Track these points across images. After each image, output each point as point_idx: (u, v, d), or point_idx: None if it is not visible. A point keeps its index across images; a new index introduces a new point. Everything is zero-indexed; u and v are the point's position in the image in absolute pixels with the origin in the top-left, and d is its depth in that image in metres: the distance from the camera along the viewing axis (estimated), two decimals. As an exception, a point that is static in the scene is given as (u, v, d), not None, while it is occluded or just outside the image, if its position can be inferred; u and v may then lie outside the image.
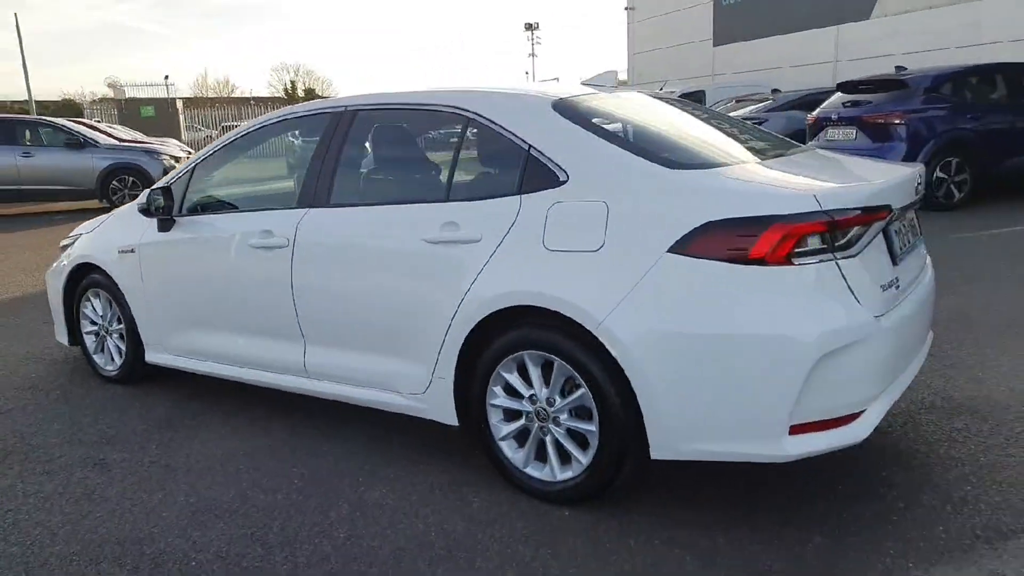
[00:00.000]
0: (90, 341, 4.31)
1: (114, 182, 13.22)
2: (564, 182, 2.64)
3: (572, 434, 2.65)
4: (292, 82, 59.56)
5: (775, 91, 13.08)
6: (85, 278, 4.23)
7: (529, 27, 54.35)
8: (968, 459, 2.87)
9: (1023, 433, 3.06)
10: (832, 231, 2.33)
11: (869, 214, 2.42)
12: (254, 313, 3.43)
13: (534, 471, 2.74)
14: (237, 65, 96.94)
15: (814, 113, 10.21)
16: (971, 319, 4.59)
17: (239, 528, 2.65)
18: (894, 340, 2.48)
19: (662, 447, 2.45)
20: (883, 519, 2.52)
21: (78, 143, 13.13)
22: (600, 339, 2.45)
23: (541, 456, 2.74)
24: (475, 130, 2.96)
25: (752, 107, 11.93)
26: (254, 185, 3.58)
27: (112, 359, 4.20)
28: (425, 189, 3.29)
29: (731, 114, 12.07)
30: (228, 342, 3.59)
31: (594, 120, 2.80)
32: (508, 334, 2.68)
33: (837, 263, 2.35)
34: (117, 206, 12.60)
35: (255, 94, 57.76)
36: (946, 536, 2.41)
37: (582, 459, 2.61)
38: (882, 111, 9.17)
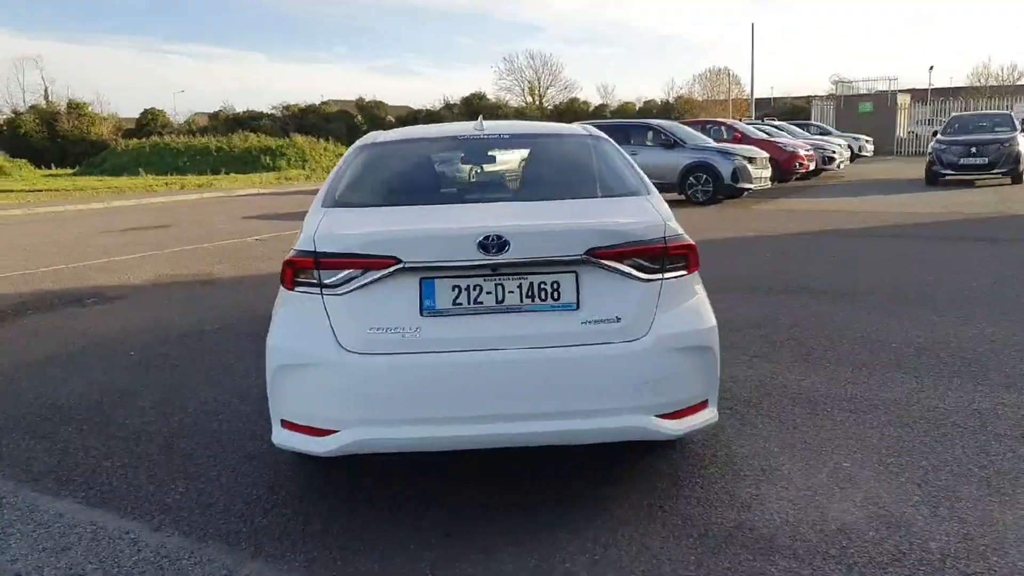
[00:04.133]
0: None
1: (691, 178, 15.31)
2: None
3: None
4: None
5: None
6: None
7: None
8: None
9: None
10: (319, 269, 2.74)
11: (359, 259, 2.68)
12: None
13: None
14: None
15: None
16: None
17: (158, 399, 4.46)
18: (367, 377, 2.67)
19: None
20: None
21: (670, 143, 15.61)
22: None
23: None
24: None
25: None
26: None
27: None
28: None
29: None
30: None
31: (372, 161, 3.52)
32: None
33: (322, 296, 2.75)
34: (691, 201, 14.75)
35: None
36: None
37: None
38: None
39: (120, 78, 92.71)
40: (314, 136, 38.21)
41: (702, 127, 19.65)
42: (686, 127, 17.33)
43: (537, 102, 59.08)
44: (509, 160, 3.76)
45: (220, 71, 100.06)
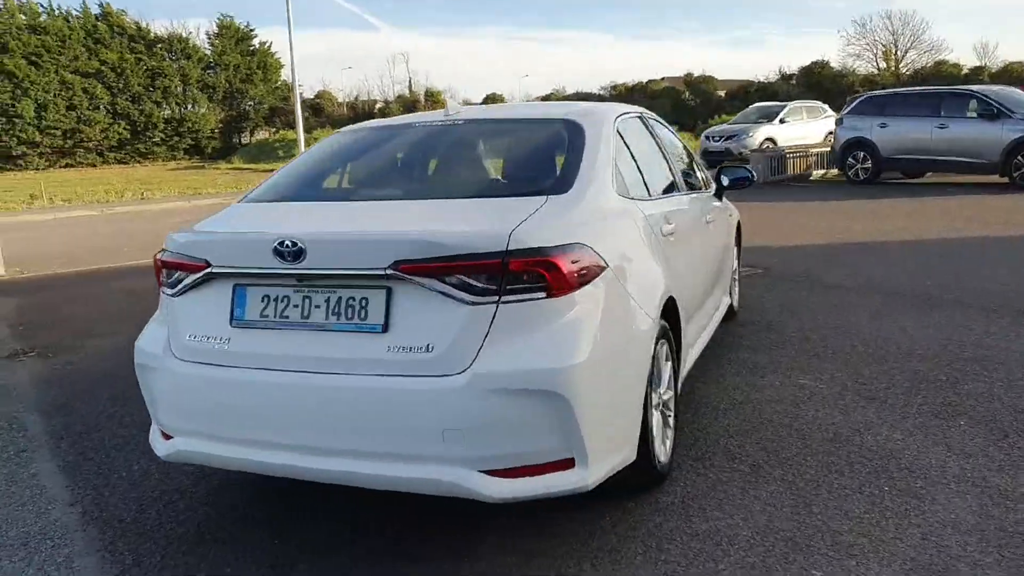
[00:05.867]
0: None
1: (1019, 157, 12.32)
2: None
3: None
4: None
5: None
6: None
7: None
8: None
9: None
10: (167, 269, 2.66)
11: (181, 262, 2.58)
12: None
13: None
14: None
15: None
16: None
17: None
18: (185, 386, 2.54)
19: None
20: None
21: (992, 114, 12.66)
22: None
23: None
24: None
25: None
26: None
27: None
28: None
29: None
30: None
31: (316, 153, 3.43)
32: None
33: (167, 298, 2.67)
34: (1017, 185, 11.91)
35: None
36: None
37: None
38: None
39: (475, 67, 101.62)
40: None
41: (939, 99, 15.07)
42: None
43: (892, 68, 52.27)
44: (476, 150, 3.28)
45: (567, 54, 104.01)
